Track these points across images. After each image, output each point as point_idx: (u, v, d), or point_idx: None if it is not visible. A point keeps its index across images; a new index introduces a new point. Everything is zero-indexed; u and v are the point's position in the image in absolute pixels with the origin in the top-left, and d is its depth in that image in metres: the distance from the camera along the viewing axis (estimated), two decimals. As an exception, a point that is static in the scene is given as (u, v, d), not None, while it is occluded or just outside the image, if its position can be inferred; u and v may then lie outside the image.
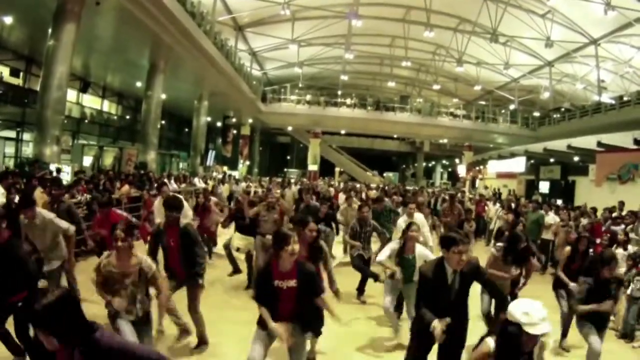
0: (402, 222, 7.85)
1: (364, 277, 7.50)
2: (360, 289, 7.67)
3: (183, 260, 5.07)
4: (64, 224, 5.64)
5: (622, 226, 10.02)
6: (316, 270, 4.88)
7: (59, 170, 12.93)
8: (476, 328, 4.38)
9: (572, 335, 5.76)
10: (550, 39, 26.26)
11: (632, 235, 8.81)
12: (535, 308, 2.66)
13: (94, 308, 4.88)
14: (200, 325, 5.25)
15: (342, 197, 14.69)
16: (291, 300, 3.72)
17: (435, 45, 33.33)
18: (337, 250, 10.27)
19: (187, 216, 7.01)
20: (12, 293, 4.12)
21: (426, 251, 5.68)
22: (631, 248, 8.09)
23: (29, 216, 5.37)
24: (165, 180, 13.69)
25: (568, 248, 6.32)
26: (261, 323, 3.79)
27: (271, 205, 7.58)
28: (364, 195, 15.44)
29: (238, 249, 8.04)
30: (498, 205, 15.32)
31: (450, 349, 3.72)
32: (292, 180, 24.38)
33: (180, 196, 7.21)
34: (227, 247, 8.28)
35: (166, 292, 3.94)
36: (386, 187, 22.07)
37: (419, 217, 8.05)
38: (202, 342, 5.30)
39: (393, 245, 5.62)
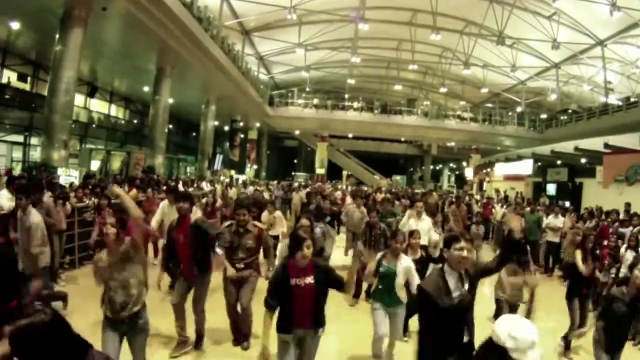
0: (409, 220, 7.92)
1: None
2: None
3: (192, 257, 5.01)
4: (37, 234, 5.23)
5: (630, 228, 9.93)
6: None
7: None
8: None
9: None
10: (556, 40, 26.20)
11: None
12: (525, 331, 2.17)
13: (87, 317, 4.98)
14: (200, 322, 5.20)
15: (349, 201, 14.51)
16: (308, 298, 3.65)
17: (441, 48, 33.32)
18: (339, 253, 10.22)
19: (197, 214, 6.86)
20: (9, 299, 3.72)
21: (411, 266, 5.03)
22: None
23: (22, 205, 5.20)
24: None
25: (579, 251, 6.27)
26: (282, 327, 3.70)
27: (241, 225, 5.33)
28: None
29: None
30: (506, 207, 15.21)
31: None
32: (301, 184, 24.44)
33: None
34: None
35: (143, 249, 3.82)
36: (393, 190, 21.98)
37: (426, 219, 8.13)
38: (200, 337, 5.27)
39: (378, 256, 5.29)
